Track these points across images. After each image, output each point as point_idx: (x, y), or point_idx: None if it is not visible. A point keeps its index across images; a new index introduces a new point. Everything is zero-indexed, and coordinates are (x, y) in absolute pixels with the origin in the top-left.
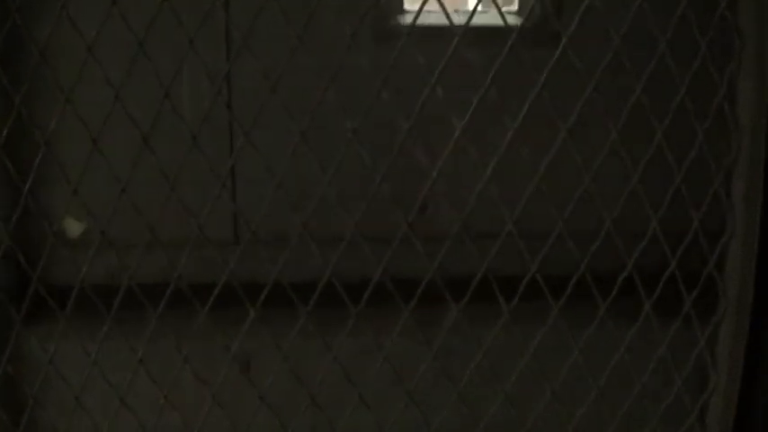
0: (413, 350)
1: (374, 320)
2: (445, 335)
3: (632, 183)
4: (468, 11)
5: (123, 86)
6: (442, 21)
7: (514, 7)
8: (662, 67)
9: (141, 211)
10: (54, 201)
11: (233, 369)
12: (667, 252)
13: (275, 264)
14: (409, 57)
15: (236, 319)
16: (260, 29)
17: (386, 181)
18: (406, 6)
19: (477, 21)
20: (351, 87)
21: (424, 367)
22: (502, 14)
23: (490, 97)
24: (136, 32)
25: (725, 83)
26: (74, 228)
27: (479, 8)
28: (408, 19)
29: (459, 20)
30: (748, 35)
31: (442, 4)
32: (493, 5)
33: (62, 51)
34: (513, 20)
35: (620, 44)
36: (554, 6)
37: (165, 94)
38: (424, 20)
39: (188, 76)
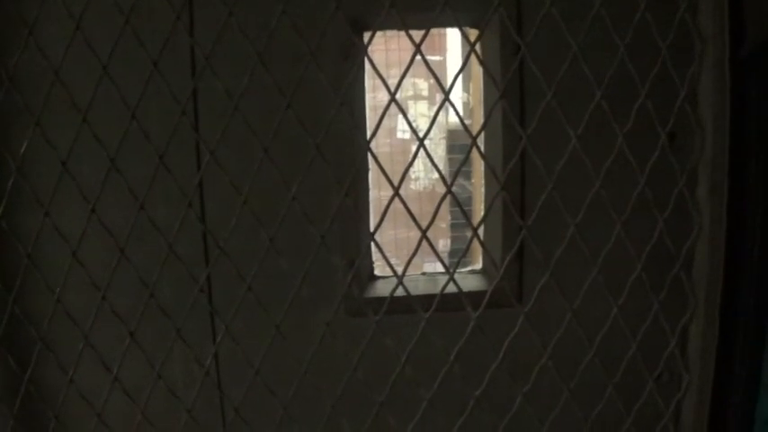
0: None
1: None
2: None
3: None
4: (429, 273)
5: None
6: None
7: (479, 265)
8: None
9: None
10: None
11: None
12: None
13: None
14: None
15: None
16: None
17: None
18: (377, 272)
19: (438, 287)
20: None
21: None
22: (460, 288)
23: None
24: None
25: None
26: None
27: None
28: (379, 286)
29: (423, 284)
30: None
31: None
32: (454, 266)
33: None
34: (476, 281)
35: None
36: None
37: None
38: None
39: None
